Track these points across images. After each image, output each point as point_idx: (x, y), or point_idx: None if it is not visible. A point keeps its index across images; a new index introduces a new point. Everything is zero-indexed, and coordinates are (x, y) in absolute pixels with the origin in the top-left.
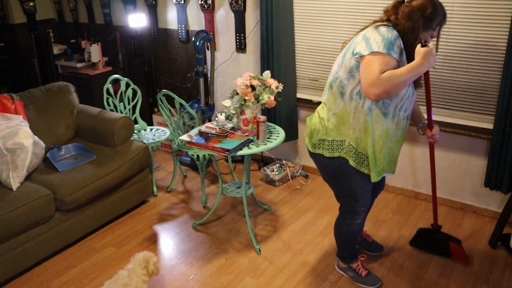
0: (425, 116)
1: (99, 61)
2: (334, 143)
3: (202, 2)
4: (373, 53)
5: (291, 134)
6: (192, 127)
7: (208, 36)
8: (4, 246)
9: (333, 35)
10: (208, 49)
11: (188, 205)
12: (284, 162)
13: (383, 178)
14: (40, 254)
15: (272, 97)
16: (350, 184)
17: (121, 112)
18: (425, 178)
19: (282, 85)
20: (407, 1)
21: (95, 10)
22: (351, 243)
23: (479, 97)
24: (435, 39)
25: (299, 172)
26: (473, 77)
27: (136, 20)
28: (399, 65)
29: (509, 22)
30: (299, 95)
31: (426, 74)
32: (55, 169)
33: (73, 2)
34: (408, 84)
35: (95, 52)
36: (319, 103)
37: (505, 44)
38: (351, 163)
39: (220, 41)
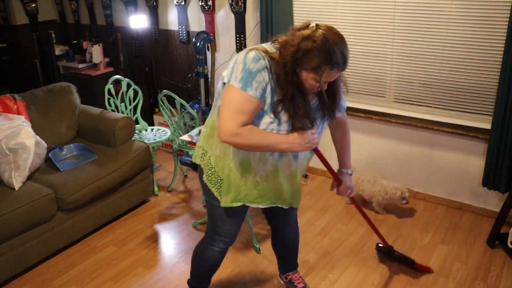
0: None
1: (101, 61)
2: (200, 151)
3: (203, 3)
4: (231, 85)
5: None
6: (193, 127)
7: (208, 37)
8: (6, 245)
9: None
10: (208, 50)
11: (188, 204)
12: None
13: (291, 210)
14: (41, 253)
15: None
16: (210, 203)
17: (122, 113)
18: (423, 177)
19: None
20: (301, 34)
21: (97, 11)
22: (201, 273)
23: (477, 98)
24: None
25: None
26: (471, 77)
27: (137, 21)
28: (264, 102)
29: (507, 22)
30: None
31: (315, 150)
32: (57, 169)
33: (75, 3)
34: (265, 151)
35: (96, 53)
36: None
37: (503, 44)
38: (204, 177)
39: (220, 42)
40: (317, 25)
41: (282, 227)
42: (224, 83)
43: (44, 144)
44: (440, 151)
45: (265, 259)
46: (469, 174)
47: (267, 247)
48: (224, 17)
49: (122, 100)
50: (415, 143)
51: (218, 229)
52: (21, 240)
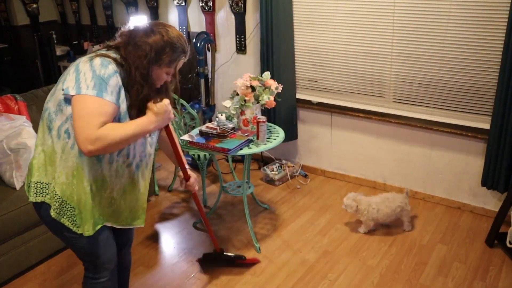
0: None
1: None
2: (39, 186)
3: (203, 4)
4: (82, 95)
5: (291, 134)
6: (193, 127)
7: (208, 38)
8: (7, 245)
9: (332, 37)
10: (208, 50)
11: (189, 204)
12: (283, 162)
13: (130, 229)
14: (43, 253)
15: (272, 98)
16: (71, 237)
17: None
18: (422, 177)
19: (282, 86)
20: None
21: (97, 12)
22: None
23: (476, 98)
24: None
25: (298, 172)
26: (470, 77)
27: (138, 22)
28: (119, 109)
29: (506, 22)
30: (298, 96)
31: (167, 128)
32: None
33: (76, 4)
34: (133, 142)
35: None
36: (318, 103)
37: (502, 45)
38: (51, 212)
39: (220, 43)
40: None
41: (124, 248)
42: (66, 97)
43: None
44: (439, 151)
45: (265, 258)
46: (468, 174)
47: (267, 247)
48: (224, 18)
49: None
50: (414, 143)
51: (97, 260)
52: (22, 239)
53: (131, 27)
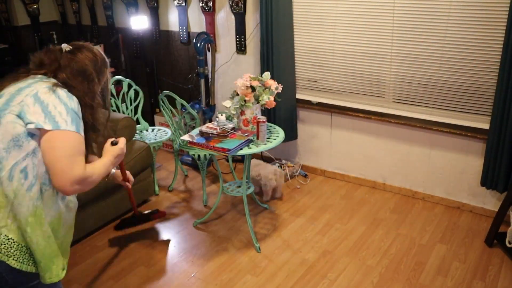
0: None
1: None
2: None
3: (203, 4)
4: (62, 130)
5: (291, 134)
6: (193, 128)
7: (209, 38)
8: None
9: (332, 37)
10: (209, 50)
11: (189, 204)
12: (283, 161)
13: None
14: None
15: (272, 98)
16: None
17: (124, 113)
18: (422, 177)
19: (282, 86)
20: (68, 53)
21: (98, 12)
22: None
23: (476, 98)
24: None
25: (298, 172)
26: (470, 77)
27: (138, 22)
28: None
29: (505, 23)
30: (298, 96)
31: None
32: None
33: (76, 5)
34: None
35: None
36: (318, 103)
37: (501, 45)
38: (13, 263)
39: (220, 43)
40: (67, 45)
41: None
42: (29, 132)
43: None
44: (438, 151)
45: (265, 258)
46: (468, 174)
47: (267, 246)
48: (225, 18)
49: (123, 101)
50: (414, 143)
51: None
52: None
53: (49, 51)
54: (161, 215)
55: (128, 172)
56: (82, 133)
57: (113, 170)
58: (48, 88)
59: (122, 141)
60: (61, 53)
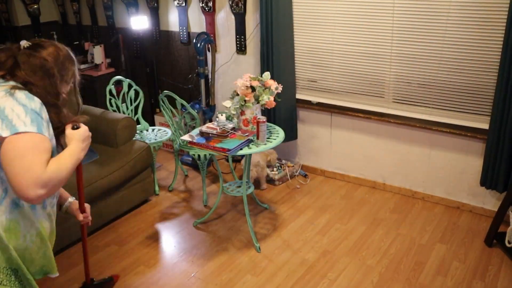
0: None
1: (102, 62)
2: None
3: (203, 4)
4: (20, 134)
5: (291, 134)
6: (193, 128)
7: (209, 38)
8: None
9: (332, 37)
10: (209, 50)
11: (189, 204)
12: (283, 161)
13: None
14: None
15: (272, 98)
16: None
17: (124, 113)
18: (422, 177)
19: (282, 86)
20: (27, 49)
21: (98, 12)
22: None
23: (475, 98)
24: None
25: (298, 172)
26: (469, 78)
27: (138, 22)
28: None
29: (505, 23)
30: (298, 96)
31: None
32: None
33: (76, 5)
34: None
35: (98, 53)
36: (318, 103)
37: (501, 45)
38: None
39: (220, 43)
40: (26, 42)
41: None
42: None
43: None
44: (438, 151)
45: (265, 258)
46: (467, 174)
47: (267, 246)
48: (225, 18)
49: (124, 101)
50: (413, 143)
51: None
52: None
53: (6, 48)
54: (115, 282)
55: (87, 205)
56: (46, 133)
57: (70, 199)
58: (5, 92)
59: (82, 126)
60: (18, 50)
